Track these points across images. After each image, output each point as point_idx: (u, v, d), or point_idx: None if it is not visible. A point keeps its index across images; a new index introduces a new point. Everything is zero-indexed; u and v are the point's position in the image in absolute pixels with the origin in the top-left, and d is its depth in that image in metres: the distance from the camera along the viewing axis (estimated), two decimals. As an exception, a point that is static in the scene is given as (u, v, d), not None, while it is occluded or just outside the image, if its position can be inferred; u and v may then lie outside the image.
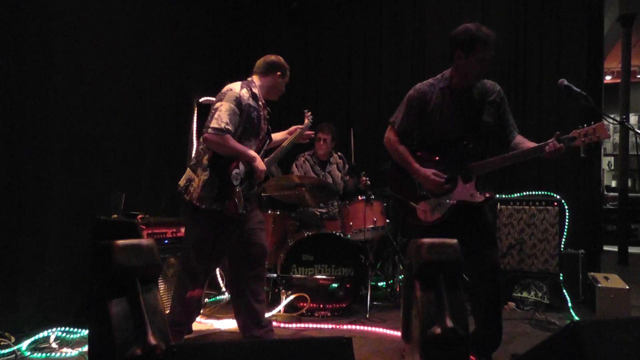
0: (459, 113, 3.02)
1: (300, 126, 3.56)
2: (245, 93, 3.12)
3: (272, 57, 3.34)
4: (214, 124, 2.98)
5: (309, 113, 3.67)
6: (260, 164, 3.10)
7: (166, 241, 3.90)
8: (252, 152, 3.10)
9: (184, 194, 3.12)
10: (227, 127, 2.99)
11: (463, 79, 3.00)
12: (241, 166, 3.07)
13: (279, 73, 3.31)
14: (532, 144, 2.86)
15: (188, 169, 3.19)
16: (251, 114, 3.14)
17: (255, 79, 3.29)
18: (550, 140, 2.72)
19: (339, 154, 5.22)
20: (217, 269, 4.67)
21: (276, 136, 3.55)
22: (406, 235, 4.94)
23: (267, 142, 3.33)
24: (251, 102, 3.14)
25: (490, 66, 2.97)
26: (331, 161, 5.15)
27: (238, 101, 3.06)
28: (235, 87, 3.12)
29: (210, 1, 5.70)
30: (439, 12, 5.85)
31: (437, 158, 3.06)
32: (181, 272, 3.23)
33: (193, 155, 3.19)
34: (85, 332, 3.40)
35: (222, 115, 3.00)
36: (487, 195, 2.96)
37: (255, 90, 3.21)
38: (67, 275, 3.72)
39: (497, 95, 3.04)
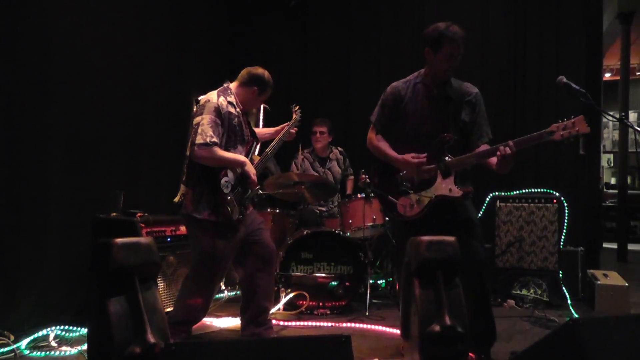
0: (433, 108, 3.05)
1: (288, 123, 3.59)
2: (223, 101, 3.14)
3: (258, 71, 3.33)
4: (199, 139, 3.01)
5: (297, 107, 3.67)
6: (250, 167, 3.17)
7: (167, 239, 3.90)
8: (242, 158, 3.17)
9: (180, 209, 3.18)
10: (213, 139, 3.02)
11: (435, 76, 3.05)
12: (230, 174, 3.11)
13: (256, 88, 3.29)
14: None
15: (181, 184, 3.24)
16: (232, 121, 3.17)
17: (233, 86, 3.30)
18: (543, 131, 2.75)
19: (339, 149, 5.22)
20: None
21: (263, 131, 3.59)
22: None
23: (255, 144, 3.36)
24: (230, 109, 3.16)
25: (460, 63, 3.00)
26: (331, 157, 5.15)
27: (217, 111, 3.09)
28: (213, 97, 3.14)
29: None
30: (438, 9, 5.83)
31: (415, 152, 3.08)
32: (188, 279, 3.30)
33: (184, 169, 3.22)
34: (84, 330, 3.39)
35: (205, 129, 3.02)
36: (467, 189, 3.00)
37: (231, 98, 3.21)
38: (66, 273, 3.72)
39: (473, 97, 3.08)
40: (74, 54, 3.80)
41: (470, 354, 2.78)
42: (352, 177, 5.21)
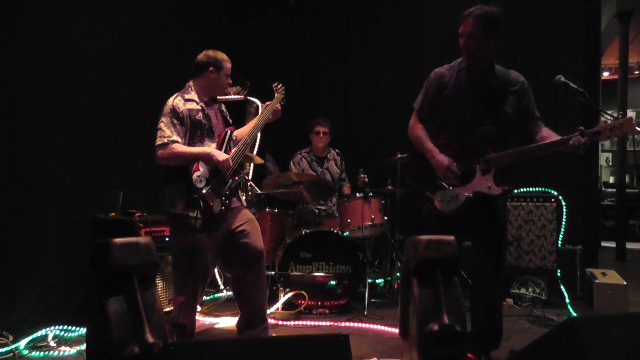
0: (475, 96, 2.96)
1: (269, 102, 3.46)
2: (178, 101, 3.09)
3: (201, 56, 3.28)
4: (158, 141, 2.99)
5: (280, 85, 3.53)
6: (219, 156, 3.03)
7: (166, 239, 3.89)
8: (206, 149, 3.06)
9: (162, 208, 3.12)
10: (172, 137, 2.99)
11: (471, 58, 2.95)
12: (202, 167, 2.99)
13: (211, 69, 3.22)
14: (556, 137, 2.81)
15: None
16: (195, 117, 3.10)
17: (192, 82, 3.24)
18: (574, 135, 2.66)
19: (337, 150, 5.22)
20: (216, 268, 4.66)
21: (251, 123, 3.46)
22: (404, 232, 4.95)
23: (230, 132, 3.23)
24: (189, 105, 3.10)
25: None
26: (328, 157, 5.15)
27: (173, 111, 3.05)
28: (169, 101, 3.11)
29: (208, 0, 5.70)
30: (437, 8, 5.84)
31: (456, 147, 2.99)
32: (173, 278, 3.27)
33: None
34: (83, 330, 3.39)
35: (162, 131, 3.01)
36: (505, 187, 2.90)
37: (190, 95, 3.15)
38: (65, 273, 3.72)
39: (519, 86, 2.97)
40: (74, 54, 3.80)
41: (469, 354, 2.78)
42: (347, 184, 5.20)
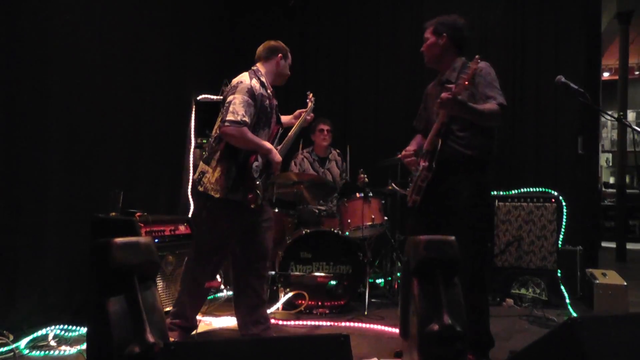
0: (437, 96, 3.01)
1: (304, 110, 3.58)
2: (255, 83, 3.14)
3: (272, 42, 3.35)
4: (230, 117, 2.99)
5: (311, 95, 3.67)
6: (276, 155, 3.16)
7: (160, 239, 3.89)
8: (268, 145, 3.16)
9: (197, 185, 3.18)
10: (244, 119, 3.01)
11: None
12: (260, 158, 3.12)
13: (280, 55, 3.31)
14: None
15: (201, 162, 3.24)
16: (264, 104, 3.17)
17: (259, 66, 3.30)
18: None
19: (337, 151, 5.22)
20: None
21: (282, 120, 3.58)
22: (404, 232, 4.95)
23: (280, 130, 3.36)
24: (262, 91, 3.17)
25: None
26: (330, 158, 5.15)
27: (251, 92, 3.08)
28: (245, 79, 3.13)
29: (208, -2, 5.70)
30: (437, 8, 5.83)
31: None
32: (191, 260, 3.33)
33: (206, 149, 3.22)
34: (83, 330, 3.39)
35: (237, 108, 3.01)
36: (425, 163, 2.96)
37: (263, 79, 3.23)
38: (66, 273, 3.72)
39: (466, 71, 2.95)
40: (73, 52, 3.79)
41: (469, 355, 2.78)
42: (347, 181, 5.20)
